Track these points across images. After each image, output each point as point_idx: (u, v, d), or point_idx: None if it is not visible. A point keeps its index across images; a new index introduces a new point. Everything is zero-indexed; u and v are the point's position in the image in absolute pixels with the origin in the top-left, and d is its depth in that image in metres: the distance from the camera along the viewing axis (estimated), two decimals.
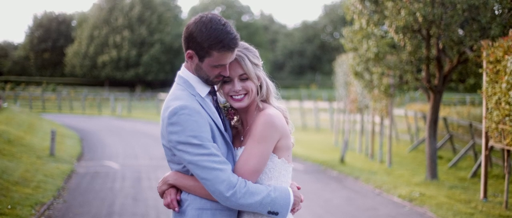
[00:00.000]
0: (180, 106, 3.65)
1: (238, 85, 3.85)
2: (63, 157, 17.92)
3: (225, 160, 3.68)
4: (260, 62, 3.94)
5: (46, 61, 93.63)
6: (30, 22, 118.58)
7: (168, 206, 3.83)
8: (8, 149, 16.63)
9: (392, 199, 13.38)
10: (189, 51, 3.77)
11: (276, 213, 3.74)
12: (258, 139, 3.73)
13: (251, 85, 3.87)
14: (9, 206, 10.39)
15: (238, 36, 3.76)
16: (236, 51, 3.81)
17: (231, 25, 3.78)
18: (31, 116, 32.40)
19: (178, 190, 3.86)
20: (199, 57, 3.75)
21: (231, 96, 3.88)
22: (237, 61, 3.83)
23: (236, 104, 3.88)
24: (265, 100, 3.99)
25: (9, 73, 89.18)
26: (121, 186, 14.10)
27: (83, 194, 12.94)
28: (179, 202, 3.84)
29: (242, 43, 3.91)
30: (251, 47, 3.94)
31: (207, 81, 3.84)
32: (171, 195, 3.83)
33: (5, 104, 34.86)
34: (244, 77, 3.86)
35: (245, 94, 3.87)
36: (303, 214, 11.33)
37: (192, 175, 3.77)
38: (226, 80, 3.87)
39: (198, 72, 3.82)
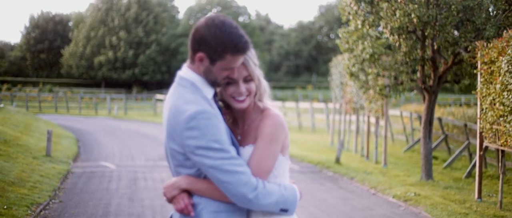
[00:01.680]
0: (198, 110, 3.59)
1: (243, 87, 3.83)
2: (59, 157, 17.91)
3: (244, 163, 3.67)
4: (256, 59, 3.93)
5: (42, 61, 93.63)
6: (26, 22, 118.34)
7: (181, 211, 3.75)
8: (4, 149, 16.62)
9: (387, 199, 13.42)
10: (199, 54, 3.68)
11: (286, 210, 3.78)
12: (269, 140, 3.76)
13: (253, 86, 3.87)
14: (5, 207, 10.41)
15: (249, 39, 3.75)
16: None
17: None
18: (27, 116, 32.36)
19: (190, 194, 3.80)
20: (210, 60, 3.68)
21: (234, 97, 3.86)
22: (243, 63, 3.81)
23: (239, 106, 3.87)
24: (260, 100, 4.00)
25: (6, 74, 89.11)
26: (117, 187, 14.12)
27: (79, 195, 12.96)
28: (192, 206, 3.78)
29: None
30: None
31: (214, 83, 3.78)
32: (184, 200, 3.74)
33: (1, 105, 34.80)
34: (249, 79, 3.85)
35: (247, 95, 3.86)
36: (299, 214, 11.34)
37: (204, 177, 3.74)
38: (230, 82, 3.83)
39: (207, 75, 3.74)
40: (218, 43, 3.62)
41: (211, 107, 3.68)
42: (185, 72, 3.82)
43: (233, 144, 3.81)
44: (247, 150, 3.85)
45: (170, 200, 3.83)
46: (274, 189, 3.71)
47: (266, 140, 3.76)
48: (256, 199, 3.61)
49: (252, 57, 3.87)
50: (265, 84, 4.01)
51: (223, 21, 3.66)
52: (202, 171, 3.70)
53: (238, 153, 3.80)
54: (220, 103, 4.02)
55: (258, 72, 3.95)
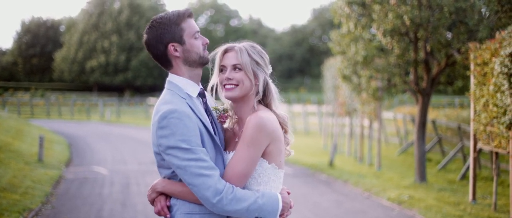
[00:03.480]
0: (170, 110, 3.66)
1: (230, 73, 3.89)
2: (52, 162, 17.84)
3: (214, 166, 3.67)
4: (263, 62, 3.99)
5: (34, 66, 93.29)
6: (18, 27, 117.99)
7: (159, 213, 3.85)
8: None
9: (381, 202, 13.39)
10: (169, 46, 3.83)
11: None
12: (247, 142, 3.72)
13: (243, 77, 3.89)
14: None
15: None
16: (236, 46, 3.95)
17: None
18: (19, 122, 32.24)
19: (168, 196, 3.86)
20: (180, 42, 3.83)
21: (224, 85, 3.92)
22: (235, 51, 3.91)
23: (226, 94, 3.92)
24: (267, 105, 4.00)
25: None
26: (110, 192, 14.05)
27: (72, 200, 12.88)
28: (169, 208, 3.85)
29: (249, 42, 4.01)
30: (259, 47, 4.01)
31: (200, 60, 3.89)
32: (161, 202, 3.84)
33: None
34: (238, 68, 3.89)
35: (236, 85, 3.89)
36: None
37: (180, 180, 3.78)
38: (222, 69, 3.94)
39: (188, 58, 3.87)
40: (168, 24, 3.81)
41: (188, 107, 3.76)
42: (170, 76, 3.95)
43: (216, 147, 3.86)
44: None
45: (152, 202, 3.92)
46: (246, 196, 3.69)
47: (244, 142, 3.75)
48: (220, 204, 3.62)
49: (251, 51, 3.96)
50: (272, 89, 4.04)
51: (152, 19, 3.91)
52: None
53: (222, 159, 3.86)
54: (220, 107, 4.07)
55: (263, 74, 3.99)
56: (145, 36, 3.88)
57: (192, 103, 3.81)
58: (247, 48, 3.93)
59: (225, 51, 3.96)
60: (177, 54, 3.84)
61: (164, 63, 3.91)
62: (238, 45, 3.95)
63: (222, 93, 3.98)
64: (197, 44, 3.88)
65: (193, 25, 3.88)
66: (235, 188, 3.67)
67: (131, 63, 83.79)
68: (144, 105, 57.64)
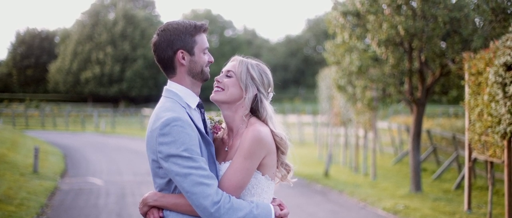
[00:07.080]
0: (173, 117, 3.66)
1: (221, 77, 3.98)
2: (47, 173, 17.80)
3: (213, 175, 3.68)
4: (260, 80, 4.01)
5: (29, 77, 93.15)
6: (12, 38, 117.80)
7: None
8: None
9: (377, 212, 13.39)
10: (179, 52, 3.85)
11: None
12: (244, 155, 3.75)
13: (231, 84, 3.94)
14: None
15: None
16: (240, 58, 4.05)
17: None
18: (14, 133, 32.18)
19: (160, 208, 3.87)
20: (189, 52, 3.86)
21: (214, 88, 4.01)
22: (236, 61, 4.01)
23: (211, 96, 3.98)
24: (263, 121, 3.98)
25: None
26: (105, 203, 14.03)
27: (67, 211, 12.86)
28: None
29: (258, 61, 4.08)
30: (264, 67, 4.08)
31: (202, 75, 3.94)
32: (154, 214, 3.84)
33: None
34: (230, 75, 3.96)
35: (223, 90, 3.96)
36: None
37: (173, 192, 3.80)
38: (221, 74, 4.03)
39: (192, 69, 3.90)
40: (183, 32, 3.85)
41: (188, 116, 3.77)
42: (169, 85, 3.96)
43: (211, 157, 3.86)
44: (226, 166, 3.87)
45: (144, 215, 3.93)
46: (242, 206, 3.71)
47: (242, 154, 3.77)
48: (217, 213, 3.62)
49: (250, 66, 4.00)
50: (266, 106, 4.03)
51: (166, 23, 3.94)
52: (172, 182, 3.77)
53: (216, 170, 3.86)
54: (215, 118, 4.09)
55: (253, 89, 3.99)
56: (155, 37, 3.89)
57: (191, 114, 3.82)
58: (249, 62, 4.00)
59: (232, 60, 4.05)
60: (183, 62, 3.87)
61: (168, 69, 3.92)
62: (243, 58, 4.05)
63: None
64: (204, 59, 3.92)
65: (205, 40, 3.94)
66: (231, 198, 3.68)
67: (126, 74, 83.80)
68: (139, 116, 57.62)
